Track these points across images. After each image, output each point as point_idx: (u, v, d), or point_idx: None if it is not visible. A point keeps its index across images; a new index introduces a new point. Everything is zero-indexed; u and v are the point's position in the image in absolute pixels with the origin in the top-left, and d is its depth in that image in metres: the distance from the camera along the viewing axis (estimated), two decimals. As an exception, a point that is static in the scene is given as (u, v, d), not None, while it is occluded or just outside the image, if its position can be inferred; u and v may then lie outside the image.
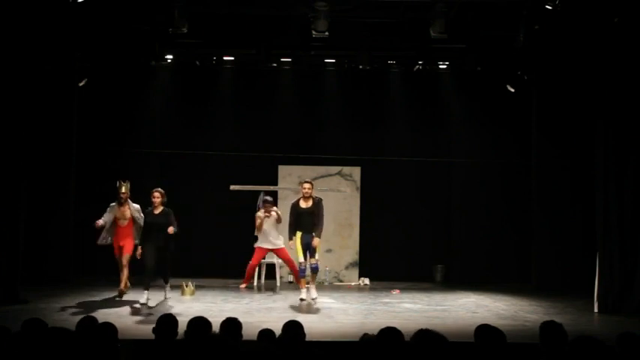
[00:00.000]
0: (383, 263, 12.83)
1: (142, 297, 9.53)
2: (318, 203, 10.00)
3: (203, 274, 12.08)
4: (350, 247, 13.07)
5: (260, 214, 11.01)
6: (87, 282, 11.32)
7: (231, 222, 13.03)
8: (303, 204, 10.03)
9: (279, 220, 10.90)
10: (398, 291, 11.32)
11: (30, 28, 9.53)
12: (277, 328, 4.78)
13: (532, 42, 10.80)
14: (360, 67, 12.39)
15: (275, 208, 11.12)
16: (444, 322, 8.31)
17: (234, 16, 11.19)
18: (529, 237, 12.27)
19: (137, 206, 10.06)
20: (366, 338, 4.20)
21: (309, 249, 9.95)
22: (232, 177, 12.68)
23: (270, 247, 10.98)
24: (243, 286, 11.20)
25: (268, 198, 11.18)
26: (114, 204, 9.96)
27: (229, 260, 12.76)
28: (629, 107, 9.54)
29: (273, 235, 10.91)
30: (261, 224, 10.91)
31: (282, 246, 10.90)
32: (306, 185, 10.08)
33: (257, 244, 11.06)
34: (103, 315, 8.18)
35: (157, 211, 9.81)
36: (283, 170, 13.12)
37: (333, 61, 12.98)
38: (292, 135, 13.31)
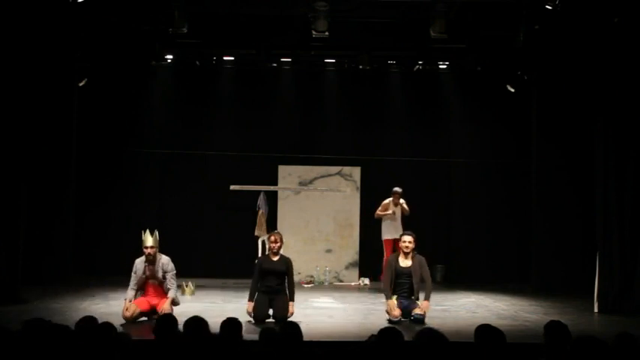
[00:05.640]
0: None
1: None
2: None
3: (203, 274, 12.06)
4: (350, 247, 13.07)
5: (387, 201, 11.54)
6: (87, 282, 11.31)
7: (231, 222, 13.03)
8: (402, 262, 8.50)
9: (405, 211, 11.50)
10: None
11: (30, 28, 9.52)
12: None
13: (532, 42, 10.81)
14: (360, 67, 12.39)
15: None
16: (444, 322, 8.29)
17: (234, 16, 11.20)
18: (529, 237, 12.26)
19: (168, 262, 8.23)
20: (373, 339, 4.18)
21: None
22: (232, 177, 12.66)
23: (396, 236, 11.43)
24: None
25: (398, 189, 11.58)
26: (141, 261, 8.20)
27: (229, 260, 12.76)
28: (629, 107, 9.52)
29: (397, 226, 11.41)
30: (386, 213, 11.49)
31: None
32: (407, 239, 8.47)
33: (385, 237, 11.53)
34: (102, 315, 8.17)
35: (274, 258, 8.37)
36: (283, 170, 13.11)
37: (333, 61, 13.00)
38: (292, 135, 13.31)
